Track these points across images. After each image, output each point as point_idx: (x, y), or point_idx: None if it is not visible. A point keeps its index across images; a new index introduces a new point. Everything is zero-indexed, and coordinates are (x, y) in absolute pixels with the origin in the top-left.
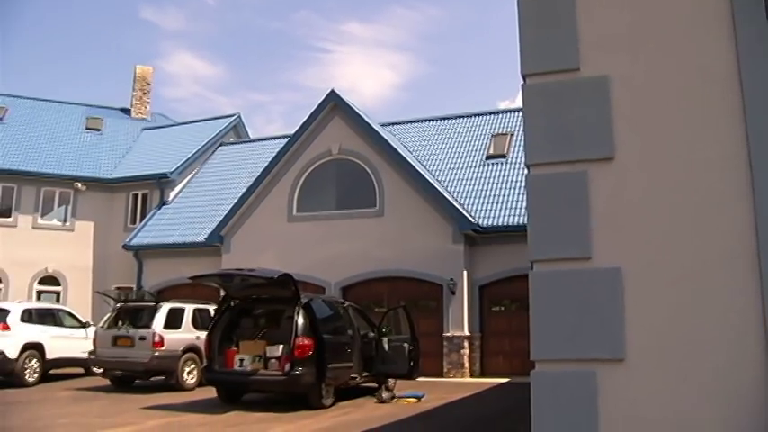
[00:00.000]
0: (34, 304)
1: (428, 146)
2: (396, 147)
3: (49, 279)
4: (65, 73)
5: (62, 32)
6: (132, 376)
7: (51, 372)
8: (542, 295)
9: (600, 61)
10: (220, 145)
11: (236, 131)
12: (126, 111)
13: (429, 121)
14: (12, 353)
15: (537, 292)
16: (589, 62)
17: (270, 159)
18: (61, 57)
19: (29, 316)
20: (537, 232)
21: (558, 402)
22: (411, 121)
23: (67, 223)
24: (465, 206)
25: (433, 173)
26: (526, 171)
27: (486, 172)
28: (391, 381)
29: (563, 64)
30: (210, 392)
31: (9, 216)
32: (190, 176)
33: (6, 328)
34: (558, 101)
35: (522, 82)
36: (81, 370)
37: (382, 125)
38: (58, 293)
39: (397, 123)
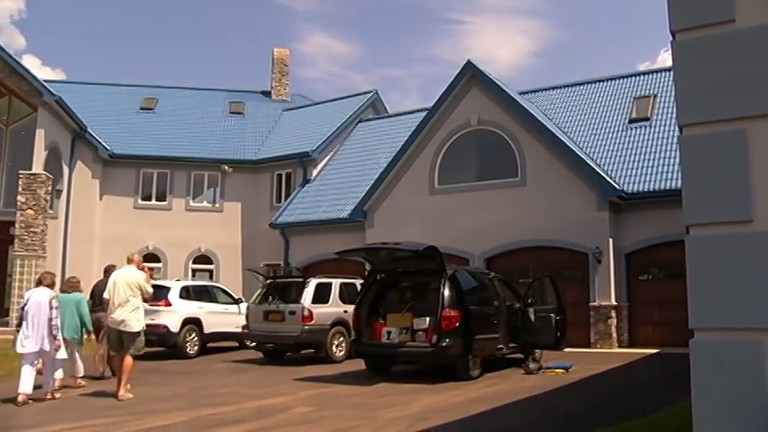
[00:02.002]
0: (191, 282)
1: (568, 112)
2: (535, 115)
3: (202, 258)
4: (208, 61)
5: (203, 23)
6: (283, 349)
7: (208, 345)
8: (700, 261)
9: (757, 10)
10: (359, 122)
11: (374, 108)
12: (266, 93)
13: (567, 86)
14: (174, 327)
15: (694, 258)
16: (745, 12)
17: (409, 134)
18: (203, 46)
19: (186, 293)
20: (693, 195)
21: (720, 372)
22: (549, 88)
23: (217, 204)
24: (609, 172)
25: (575, 139)
26: (678, 132)
27: (630, 136)
28: (538, 352)
29: (716, 16)
30: (359, 365)
31: (164, 200)
32: (331, 154)
33: (168, 304)
34: (711, 56)
35: (671, 39)
36: (235, 343)
37: (520, 93)
38: (210, 271)
39: (534, 91)
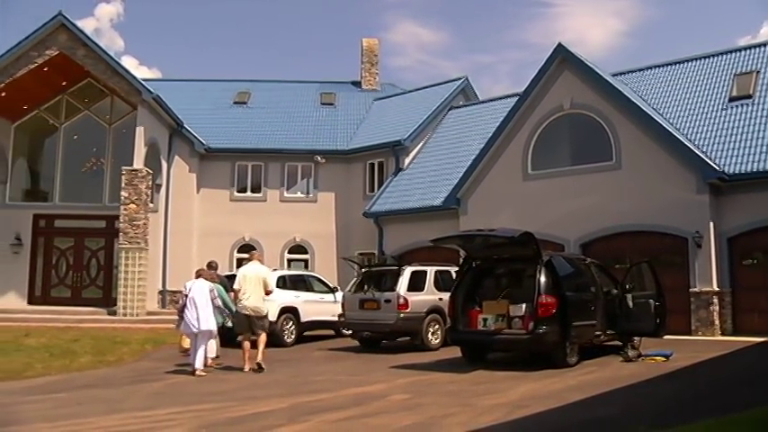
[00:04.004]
0: (287, 271)
1: (663, 93)
2: (630, 96)
3: (297, 248)
4: (298, 54)
5: (292, 16)
6: (379, 337)
7: (305, 333)
8: None
9: None
10: (450, 109)
11: (464, 94)
12: (356, 83)
13: (662, 66)
14: (271, 316)
15: None
16: None
17: (501, 120)
18: (293, 39)
19: (283, 282)
20: None
21: None
22: (642, 69)
23: (310, 195)
24: (708, 153)
25: (671, 120)
26: None
27: (730, 115)
28: (636, 339)
29: None
30: (454, 352)
31: (259, 192)
32: (423, 142)
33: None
34: None
35: None
36: (331, 332)
37: (613, 75)
38: (306, 261)
39: (628, 72)
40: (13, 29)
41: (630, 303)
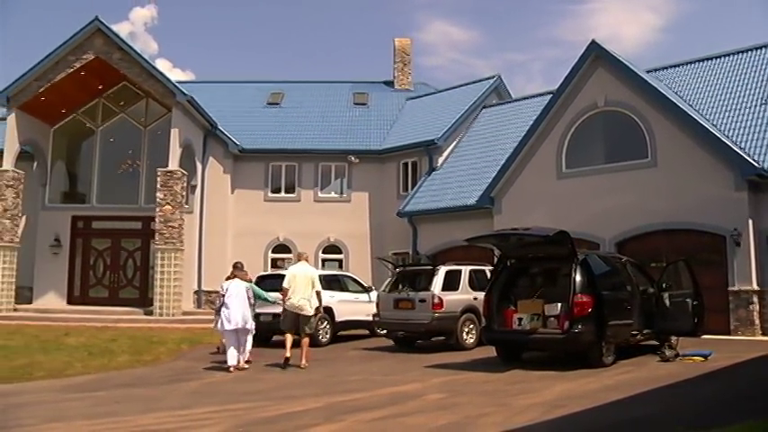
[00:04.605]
0: (322, 271)
1: (700, 89)
2: (665, 93)
3: (332, 248)
4: (330, 54)
5: (324, 17)
6: (414, 337)
7: (340, 333)
8: None
9: None
10: (483, 108)
11: (497, 93)
12: (389, 83)
13: (699, 62)
14: None
15: None
16: None
17: (534, 118)
18: (326, 39)
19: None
20: None
21: None
22: (678, 64)
23: (344, 195)
24: (746, 150)
25: (708, 117)
26: None
27: None
28: (674, 338)
29: None
30: (489, 351)
31: (293, 192)
32: (456, 141)
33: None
34: None
35: None
36: (366, 331)
37: (648, 71)
38: (340, 261)
39: (663, 68)
40: (17, 30)
41: (667, 302)
